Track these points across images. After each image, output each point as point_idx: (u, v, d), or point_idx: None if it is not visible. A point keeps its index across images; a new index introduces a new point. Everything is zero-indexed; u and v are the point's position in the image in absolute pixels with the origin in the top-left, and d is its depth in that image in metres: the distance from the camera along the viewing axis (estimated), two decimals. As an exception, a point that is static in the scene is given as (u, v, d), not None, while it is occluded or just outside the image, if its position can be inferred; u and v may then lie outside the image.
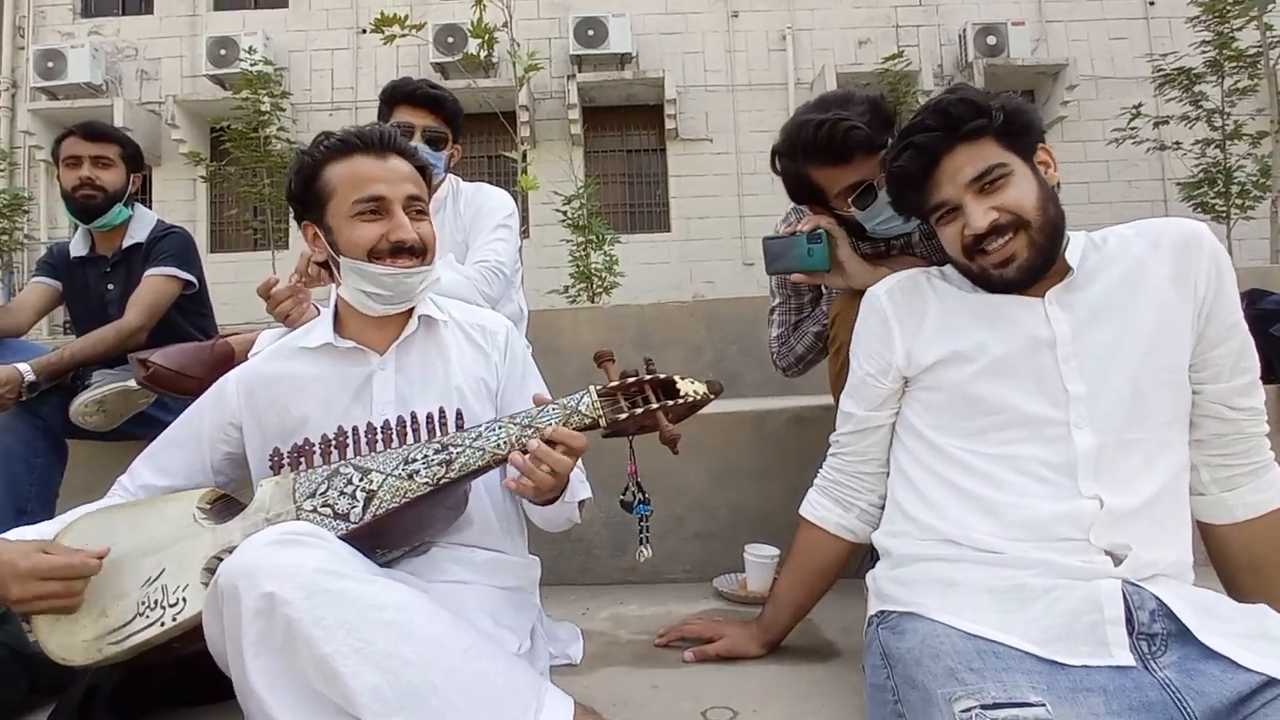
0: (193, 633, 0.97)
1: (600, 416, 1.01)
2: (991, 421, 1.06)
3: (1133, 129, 6.72)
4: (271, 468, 1.07)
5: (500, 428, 1.03)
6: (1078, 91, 8.14)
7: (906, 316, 1.16)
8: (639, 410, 1.02)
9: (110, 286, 2.16)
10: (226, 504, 1.11)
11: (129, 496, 1.18)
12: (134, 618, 0.99)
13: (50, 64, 8.28)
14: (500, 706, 0.87)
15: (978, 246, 1.05)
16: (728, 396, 2.53)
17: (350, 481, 1.02)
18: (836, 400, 1.65)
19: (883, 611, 1.06)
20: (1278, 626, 0.89)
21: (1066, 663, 0.87)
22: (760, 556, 1.67)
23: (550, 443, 1.01)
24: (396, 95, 1.93)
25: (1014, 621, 0.92)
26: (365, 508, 0.99)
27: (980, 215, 1.03)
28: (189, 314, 2.20)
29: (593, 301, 6.00)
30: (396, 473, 1.01)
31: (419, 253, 1.17)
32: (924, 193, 1.08)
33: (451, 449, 1.02)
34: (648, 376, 1.05)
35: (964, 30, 8.40)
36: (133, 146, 2.20)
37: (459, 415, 1.08)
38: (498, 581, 1.19)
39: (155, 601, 0.99)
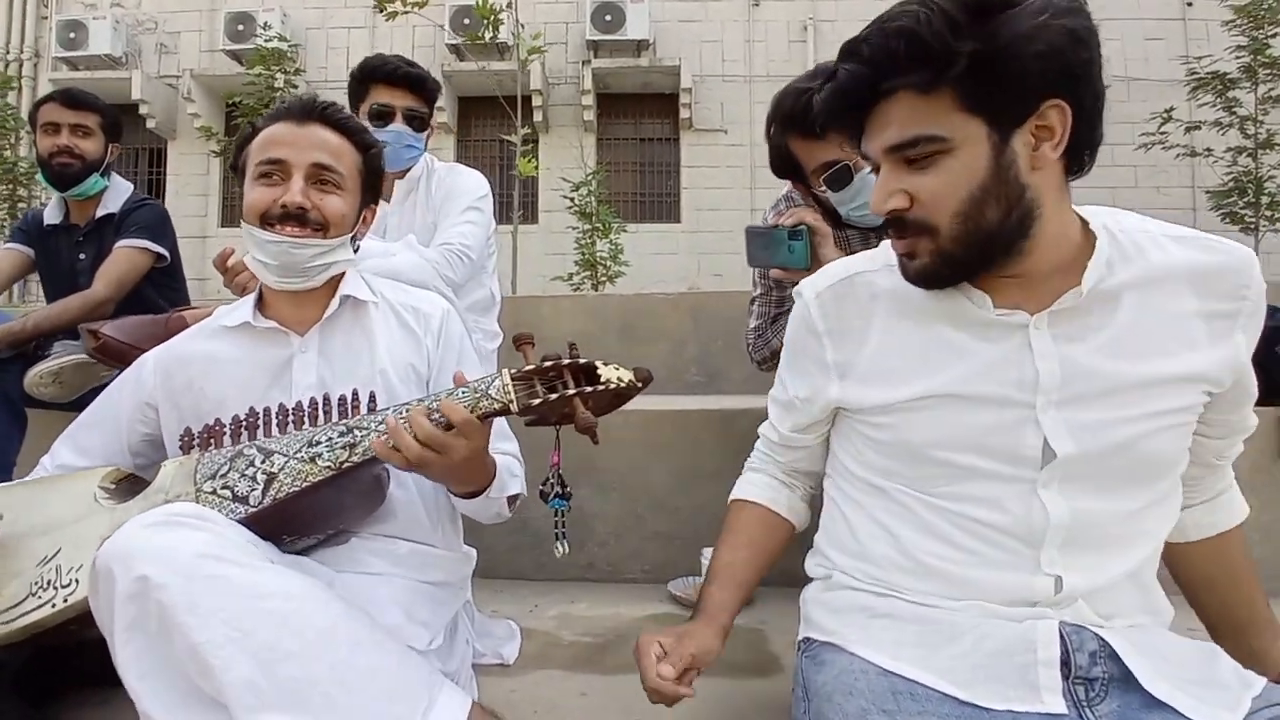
0: (88, 615, 0.93)
1: (511, 401, 0.94)
2: (942, 474, 0.88)
3: (1163, 133, 6.52)
4: (181, 448, 1.02)
5: (408, 410, 0.97)
6: (1108, 93, 7.88)
7: (841, 335, 0.93)
8: (554, 396, 0.95)
9: (81, 256, 2.14)
10: (132, 483, 1.07)
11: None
12: (26, 597, 0.95)
13: (72, 35, 8.32)
14: (389, 703, 0.82)
15: (879, 231, 0.88)
16: (706, 392, 2.47)
17: (252, 463, 0.97)
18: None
19: (808, 639, 0.98)
20: (1230, 673, 0.80)
21: (989, 707, 0.78)
22: (718, 559, 1.61)
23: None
24: (373, 74, 1.88)
25: (937, 658, 0.83)
26: (265, 491, 0.94)
27: (883, 196, 0.80)
28: (161, 288, 2.17)
29: (596, 289, 5.94)
30: (299, 455, 0.96)
31: (312, 224, 1.10)
32: (847, 128, 0.84)
33: (356, 431, 0.96)
34: (567, 361, 0.98)
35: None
36: (112, 116, 2.17)
37: (372, 398, 1.02)
38: (420, 575, 1.13)
39: (48, 582, 0.95)
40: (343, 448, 0.95)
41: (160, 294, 2.17)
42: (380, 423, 0.96)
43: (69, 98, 2.10)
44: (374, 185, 1.21)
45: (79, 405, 1.88)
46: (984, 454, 0.84)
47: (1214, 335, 0.82)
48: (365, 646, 0.85)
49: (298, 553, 1.03)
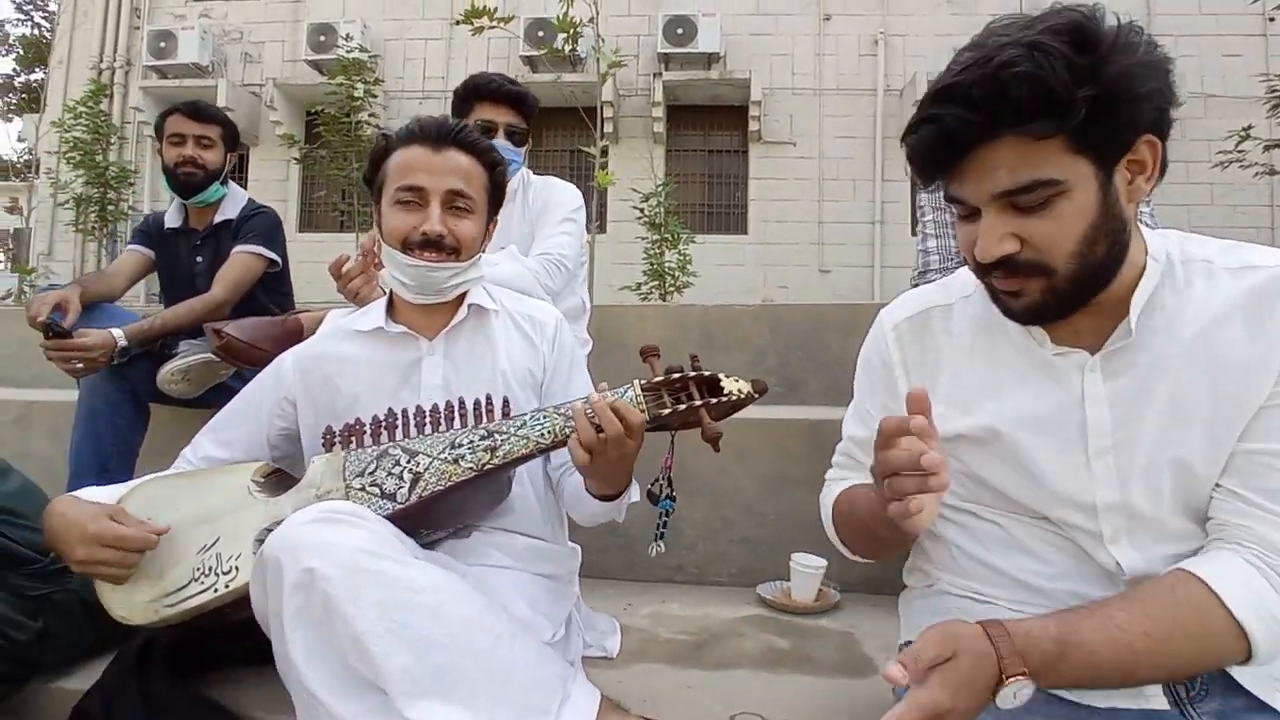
0: (244, 600, 1.00)
1: (644, 410, 1.00)
2: (1019, 507, 0.90)
3: (1240, 151, 6.28)
4: (324, 445, 1.10)
5: (545, 417, 1.03)
6: (1184, 110, 7.55)
7: (916, 370, 0.96)
8: (682, 406, 1.00)
9: (199, 259, 2.27)
10: (280, 478, 1.16)
11: (191, 468, 1.24)
12: (189, 583, 1.04)
13: (162, 44, 8.76)
14: (527, 693, 0.88)
15: (982, 272, 0.83)
16: (786, 403, 2.49)
17: (398, 463, 1.04)
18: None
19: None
20: None
21: (1094, 705, 0.81)
22: (807, 566, 1.65)
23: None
24: (477, 92, 1.96)
25: None
26: (411, 489, 1.01)
27: (993, 241, 0.77)
28: (271, 292, 2.30)
29: (664, 300, 5.99)
30: (443, 456, 1.03)
31: (447, 249, 1.17)
32: (940, 173, 0.81)
33: (497, 436, 1.03)
34: (692, 373, 1.03)
35: (1067, 38, 7.92)
36: (232, 127, 2.31)
37: (505, 403, 1.09)
38: (536, 568, 1.20)
39: (210, 568, 1.04)
40: (484, 450, 1.02)
41: (271, 297, 2.30)
42: (520, 427, 1.03)
43: (194, 110, 2.24)
44: (498, 200, 1.28)
45: (198, 402, 2.04)
46: (1046, 499, 0.86)
47: (1257, 364, 0.79)
48: (505, 639, 0.91)
49: (428, 545, 1.11)
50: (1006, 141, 0.73)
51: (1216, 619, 0.74)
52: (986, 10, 8.36)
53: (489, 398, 1.08)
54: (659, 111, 8.15)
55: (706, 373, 1.04)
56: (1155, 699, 0.80)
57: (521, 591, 1.12)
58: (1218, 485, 0.81)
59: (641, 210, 6.43)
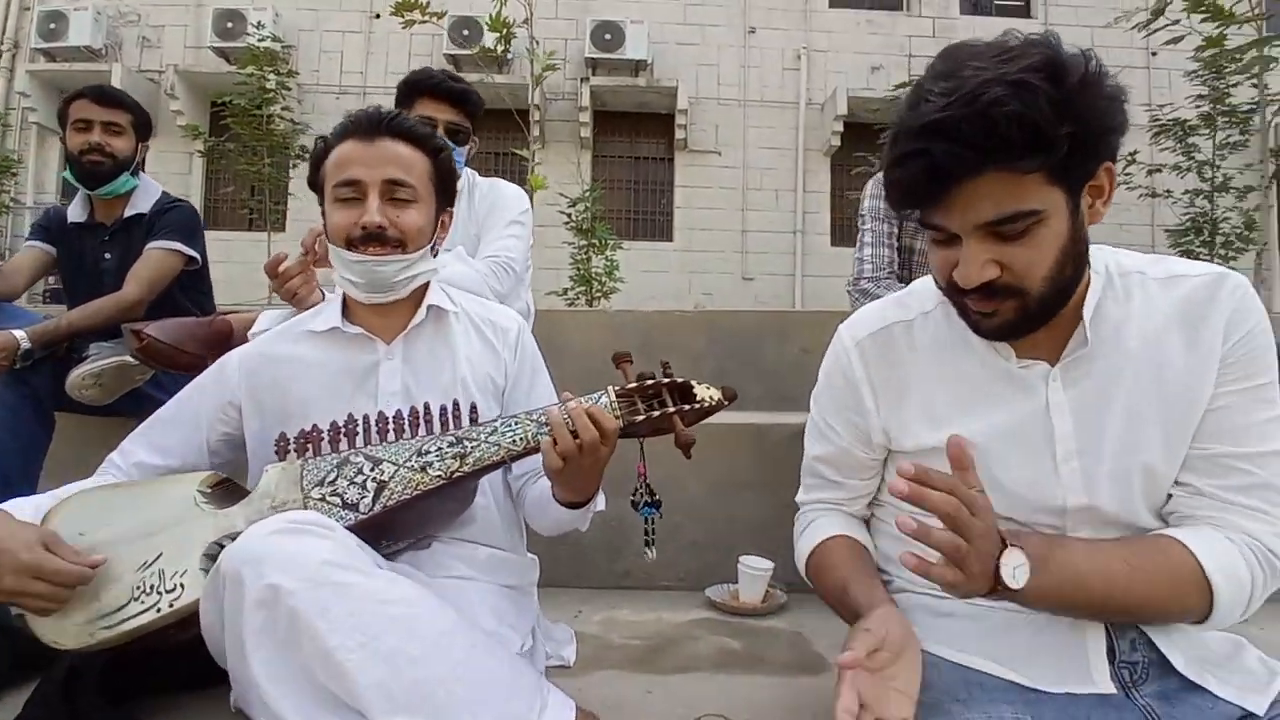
0: (190, 619, 0.95)
1: (618, 417, 1.00)
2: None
3: (1127, 174, 6.84)
4: (277, 453, 1.05)
5: (517, 424, 1.02)
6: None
7: (883, 386, 0.97)
8: (655, 413, 1.01)
9: (108, 256, 2.12)
10: (228, 488, 1.09)
11: (121, 475, 1.15)
12: (129, 602, 0.96)
13: (52, 25, 8.17)
14: (505, 705, 0.86)
15: (957, 293, 0.85)
16: (729, 410, 2.53)
17: (361, 471, 1.00)
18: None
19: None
20: (1256, 661, 0.89)
21: (1050, 691, 0.86)
22: (754, 569, 1.67)
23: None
24: (418, 87, 1.90)
25: (999, 649, 0.90)
26: (376, 498, 0.98)
27: (975, 268, 0.79)
28: (190, 291, 2.17)
29: (590, 305, 5.98)
30: (409, 464, 1.00)
31: (391, 241, 1.13)
32: (923, 203, 0.82)
33: (466, 443, 1.00)
34: (665, 380, 1.04)
35: (973, 64, 8.40)
36: (144, 115, 2.17)
37: (473, 409, 1.06)
38: (499, 579, 1.17)
39: (151, 586, 0.96)
40: (453, 457, 0.99)
41: (189, 298, 2.17)
42: (491, 433, 1.01)
43: (101, 94, 2.09)
44: (448, 189, 1.24)
45: (108, 410, 1.91)
46: (1017, 506, 0.90)
47: (1195, 368, 0.85)
48: (480, 650, 0.88)
49: (387, 556, 1.07)
50: (991, 175, 0.75)
51: (1187, 570, 0.81)
52: (903, 32, 8.79)
53: (455, 404, 1.06)
54: (586, 117, 8.16)
55: (679, 379, 1.05)
56: (1104, 684, 0.86)
57: (486, 603, 1.09)
58: (1178, 483, 0.87)
59: (569, 215, 6.40)
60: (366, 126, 1.15)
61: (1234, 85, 6.40)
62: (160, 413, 1.21)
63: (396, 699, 0.80)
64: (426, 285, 1.23)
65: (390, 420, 1.04)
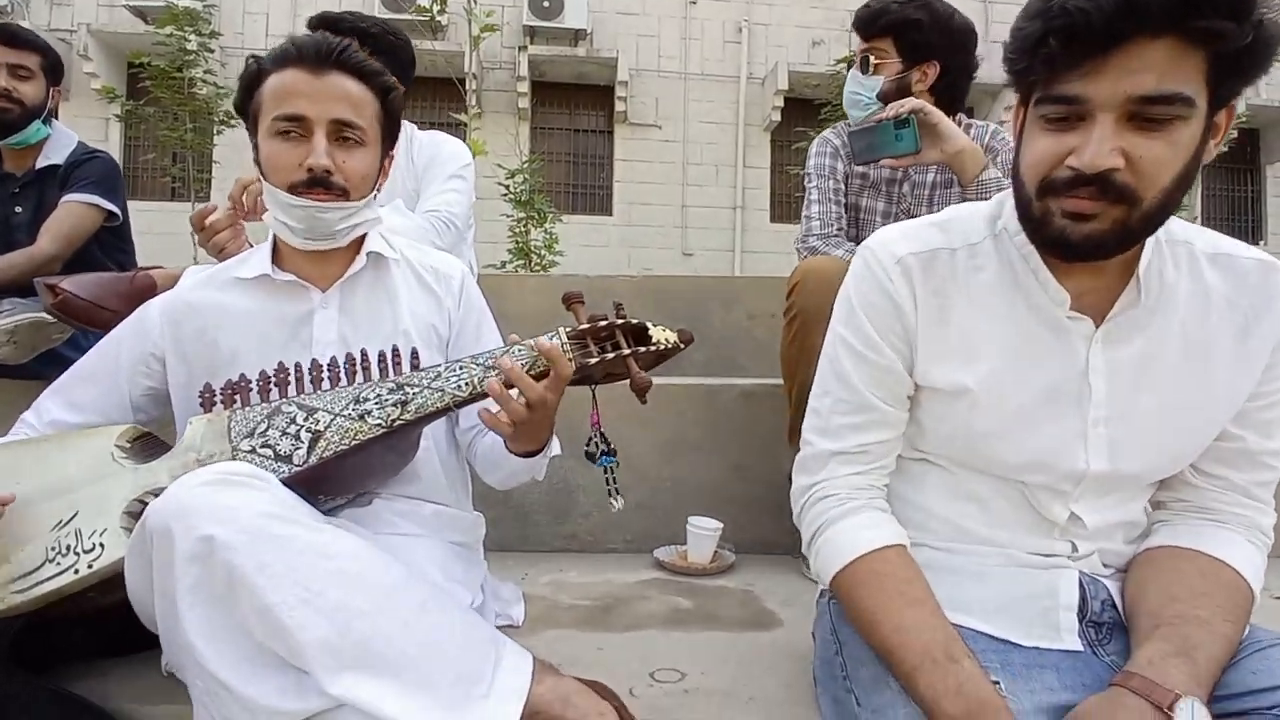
0: (111, 581, 0.89)
1: (571, 359, 0.96)
2: (994, 463, 0.90)
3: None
4: (201, 405, 0.99)
5: (461, 369, 0.97)
6: (1009, 116, 8.46)
7: (924, 309, 0.88)
8: (610, 355, 0.98)
9: (18, 209, 1.98)
10: (148, 443, 1.02)
11: (36, 435, 1.07)
12: (42, 564, 0.90)
13: (-51, -22, 7.57)
14: (460, 660, 0.82)
15: (1061, 189, 0.75)
16: (675, 374, 2.52)
17: (294, 421, 0.94)
18: (789, 376, 1.66)
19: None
20: None
21: (1019, 643, 0.86)
22: (702, 529, 1.67)
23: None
24: (323, 26, 1.77)
25: (968, 600, 0.89)
26: (310, 449, 0.92)
27: (1104, 151, 0.71)
28: (109, 248, 2.04)
29: (531, 278, 5.89)
30: (346, 413, 0.94)
31: (336, 188, 1.05)
32: (1050, 67, 0.73)
33: (408, 389, 0.96)
34: (619, 321, 1.01)
35: (911, 41, 8.54)
36: (54, 56, 2.02)
37: (414, 355, 1.01)
38: (445, 536, 1.14)
39: (68, 547, 0.90)
40: (394, 405, 0.95)
41: (108, 255, 2.04)
42: (434, 379, 0.96)
43: (8, 35, 1.93)
44: (393, 134, 1.16)
45: (21, 371, 1.78)
46: (1036, 468, 0.88)
47: (1248, 355, 0.83)
48: (431, 605, 0.84)
49: (326, 513, 1.02)
50: (1167, 42, 0.68)
51: (1245, 595, 0.83)
52: (845, 6, 8.84)
53: (395, 350, 1.00)
54: (524, 87, 7.99)
55: (634, 320, 1.02)
56: (1071, 641, 0.86)
57: (433, 560, 1.06)
58: (1202, 472, 0.89)
59: (507, 188, 6.27)
60: (314, 56, 1.04)
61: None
62: (76, 367, 1.12)
63: (343, 656, 0.75)
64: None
65: (325, 368, 0.99)
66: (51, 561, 0.89)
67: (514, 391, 0.94)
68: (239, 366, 1.04)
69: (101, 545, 0.90)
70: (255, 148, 1.09)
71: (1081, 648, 0.86)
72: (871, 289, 0.91)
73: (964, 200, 1.78)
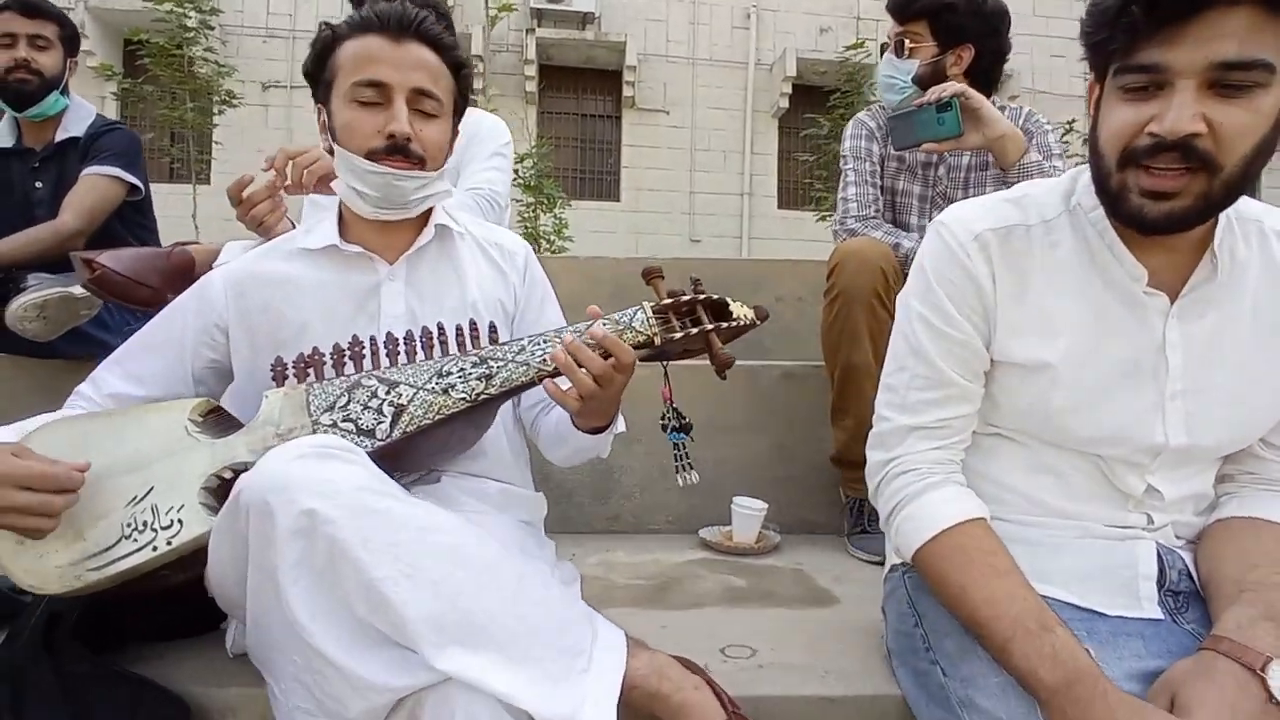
0: (187, 560, 0.87)
1: (655, 334, 0.94)
2: (1069, 437, 0.90)
3: (1065, 142, 7.03)
4: (273, 378, 0.96)
5: (545, 342, 0.95)
6: (1018, 102, 8.41)
7: (1003, 284, 0.88)
8: (693, 330, 0.96)
9: (39, 184, 1.95)
10: (220, 417, 1.00)
11: (94, 408, 1.05)
12: (118, 541, 0.87)
13: (-57, -47, 7.42)
14: (560, 634, 0.80)
15: (1143, 157, 0.75)
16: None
17: (375, 394, 0.92)
18: (830, 357, 1.65)
19: (908, 563, 1.00)
20: None
21: (1103, 612, 0.87)
22: (748, 509, 1.66)
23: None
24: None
25: (1051, 571, 0.89)
26: (394, 424, 0.90)
27: (1186, 116, 0.71)
28: (131, 224, 2.01)
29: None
30: (430, 386, 0.92)
31: (413, 156, 1.04)
32: (1130, 36, 0.74)
33: (491, 363, 0.94)
34: (700, 296, 0.99)
35: (919, 29, 8.49)
36: (71, 26, 1.98)
37: (493, 328, 0.99)
38: (513, 514, 1.12)
39: (144, 524, 0.87)
40: (478, 379, 0.93)
41: (129, 230, 2.01)
42: (518, 353, 0.94)
43: (26, 6, 1.89)
44: (461, 108, 1.15)
45: (46, 351, 1.75)
46: (1113, 441, 0.88)
47: None
48: (529, 580, 0.82)
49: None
50: (1246, 9, 0.69)
51: None
52: (853, -8, 8.78)
53: (472, 324, 0.98)
54: (531, 70, 7.92)
55: (714, 295, 1.00)
56: (1151, 609, 0.86)
57: (509, 539, 1.03)
58: (1265, 442, 0.90)
59: (516, 172, 6.23)
60: (396, 25, 1.03)
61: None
62: (136, 339, 1.10)
63: (447, 631, 0.73)
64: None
65: (402, 342, 0.97)
66: (128, 538, 0.87)
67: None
68: (306, 339, 1.02)
69: (180, 522, 0.87)
70: (325, 114, 1.08)
71: (1162, 616, 0.87)
72: (948, 265, 0.91)
73: (1002, 184, 1.78)
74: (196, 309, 1.09)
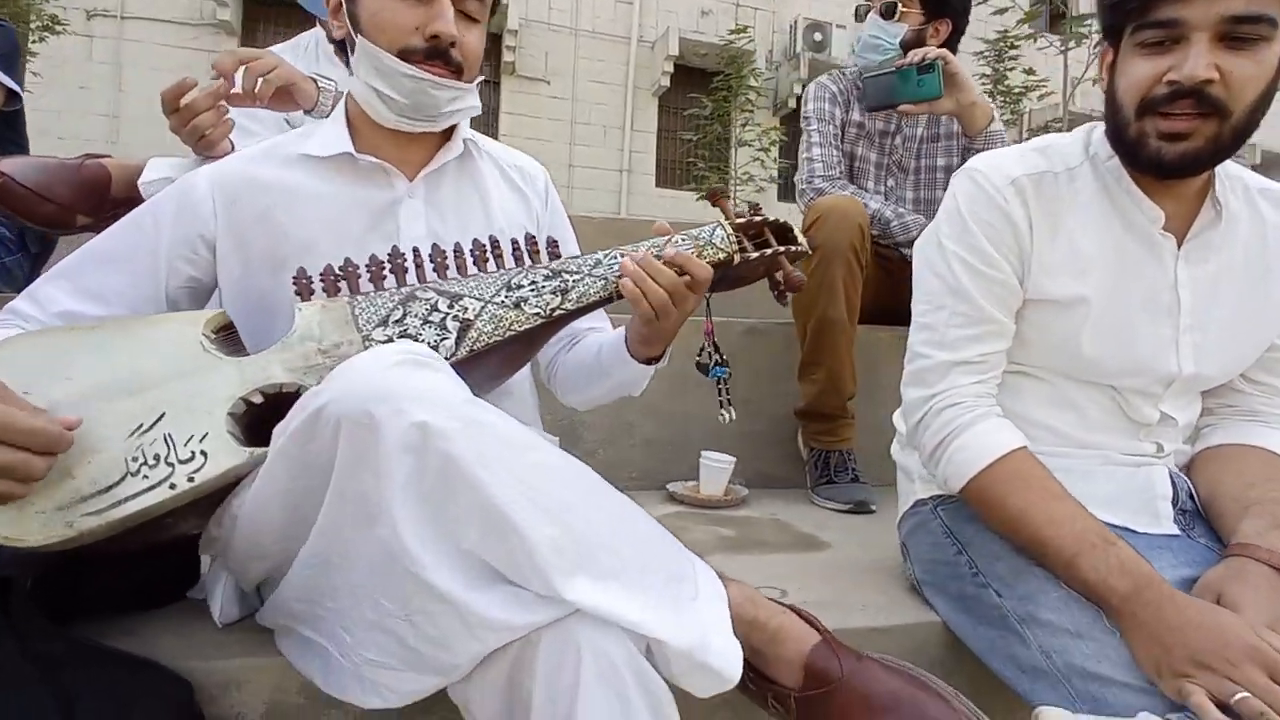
0: (202, 502, 0.73)
1: (735, 252, 0.90)
2: (1092, 370, 0.97)
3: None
4: (298, 293, 0.83)
5: (622, 256, 0.88)
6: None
7: (1039, 226, 0.94)
8: (768, 251, 0.92)
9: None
10: (230, 336, 0.85)
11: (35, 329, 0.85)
12: (123, 478, 0.70)
13: None
14: (666, 561, 0.73)
15: (1161, 105, 0.84)
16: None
17: (435, 308, 0.81)
18: (804, 311, 1.67)
19: (937, 497, 1.07)
20: None
21: (1134, 529, 0.93)
22: (717, 463, 1.66)
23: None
24: None
25: (1084, 496, 0.93)
26: (459, 340, 0.80)
27: (1201, 65, 0.80)
28: (2, 142, 1.68)
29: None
30: (498, 300, 0.83)
31: (452, 63, 0.93)
32: None
33: (565, 276, 0.86)
34: (770, 218, 0.96)
35: (795, 22, 8.89)
36: None
37: (552, 243, 0.91)
38: None
39: (156, 457, 0.71)
40: (552, 293, 0.84)
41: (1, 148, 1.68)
42: (594, 266, 0.86)
43: None
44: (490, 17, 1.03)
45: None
46: (1136, 370, 0.96)
47: None
48: (629, 507, 0.75)
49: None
50: None
51: None
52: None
53: (530, 237, 0.89)
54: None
55: (775, 218, 0.97)
56: (1169, 526, 0.95)
57: None
58: (1246, 376, 1.01)
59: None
60: None
61: (1012, 69, 7.25)
62: (92, 247, 0.91)
63: (570, 557, 0.64)
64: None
65: (450, 254, 0.86)
66: (135, 475, 0.70)
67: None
68: (310, 259, 0.87)
69: (203, 454, 0.72)
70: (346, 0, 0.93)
71: (1178, 532, 0.95)
72: (986, 208, 0.96)
73: (952, 156, 1.89)
74: (176, 215, 0.91)
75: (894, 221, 1.82)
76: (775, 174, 7.29)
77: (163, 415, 0.74)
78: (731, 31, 6.93)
